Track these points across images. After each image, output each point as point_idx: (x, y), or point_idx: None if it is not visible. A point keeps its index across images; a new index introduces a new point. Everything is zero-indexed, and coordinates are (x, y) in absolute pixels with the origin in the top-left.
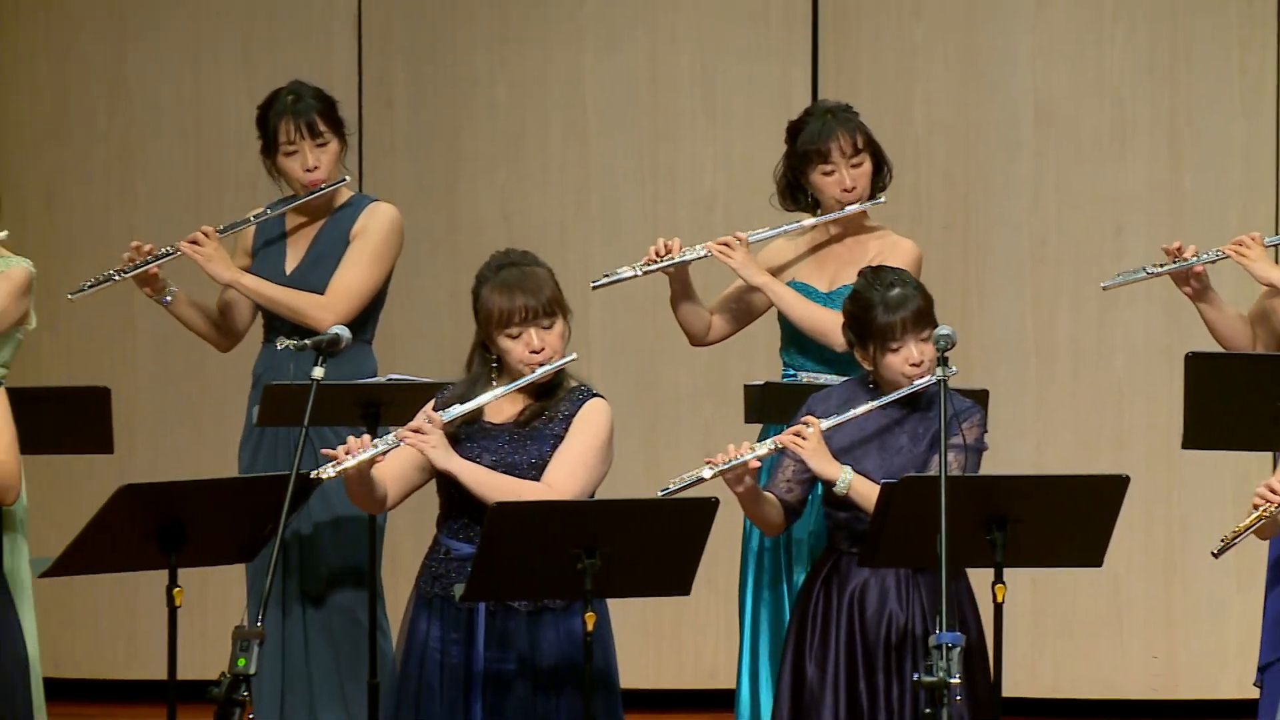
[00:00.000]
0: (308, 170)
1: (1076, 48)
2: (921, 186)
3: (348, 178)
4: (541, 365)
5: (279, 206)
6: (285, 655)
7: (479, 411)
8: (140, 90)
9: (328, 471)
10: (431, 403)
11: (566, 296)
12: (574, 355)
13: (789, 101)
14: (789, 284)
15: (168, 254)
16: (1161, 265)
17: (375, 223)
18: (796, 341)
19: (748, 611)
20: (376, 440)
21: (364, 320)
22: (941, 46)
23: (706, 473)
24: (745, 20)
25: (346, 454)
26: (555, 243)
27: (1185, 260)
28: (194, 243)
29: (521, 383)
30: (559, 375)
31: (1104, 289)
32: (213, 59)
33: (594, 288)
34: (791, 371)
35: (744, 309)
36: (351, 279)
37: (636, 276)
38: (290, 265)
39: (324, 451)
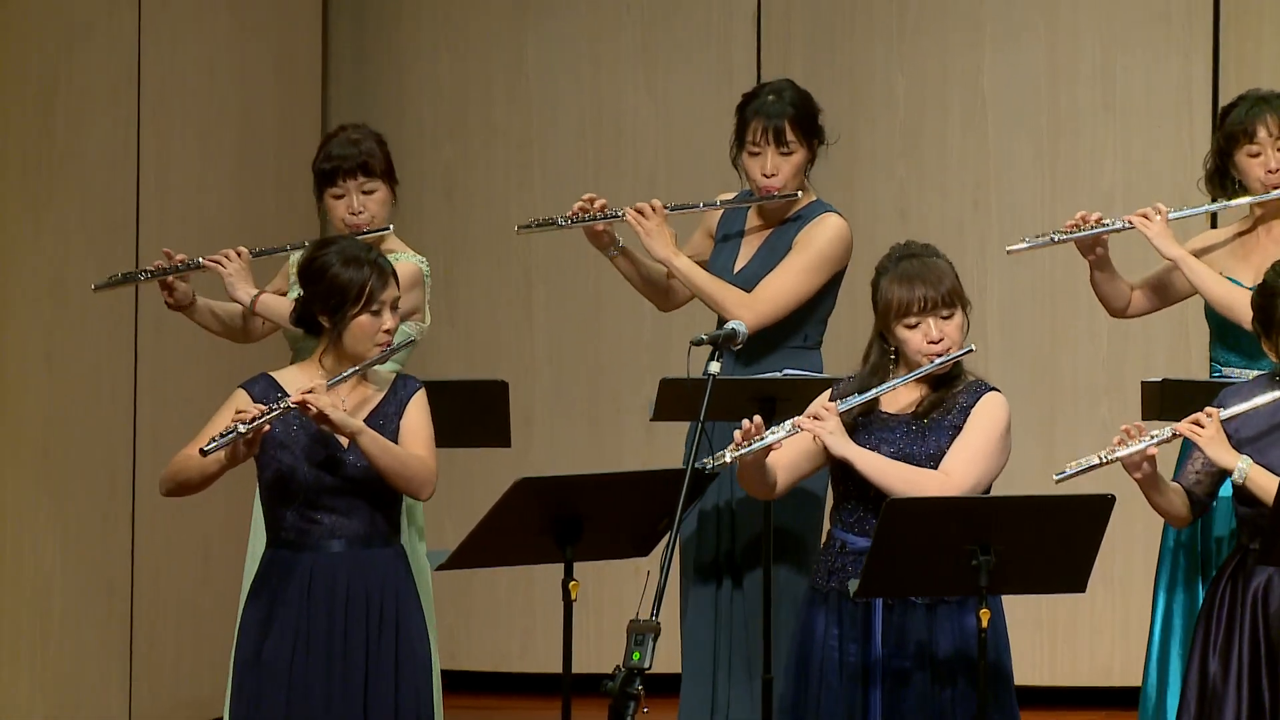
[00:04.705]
0: (765, 176)
1: None
2: None
3: (799, 194)
4: (939, 356)
5: (732, 204)
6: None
7: (875, 402)
8: (539, 84)
9: (725, 457)
10: (827, 392)
11: (966, 291)
12: (972, 347)
13: (1189, 97)
14: None
15: (614, 215)
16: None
17: (819, 234)
18: (1223, 337)
19: (1159, 608)
20: (773, 427)
21: (798, 323)
22: None
23: (1104, 455)
24: (1146, 16)
25: (744, 440)
26: (953, 239)
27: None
28: (640, 213)
29: (919, 373)
30: (956, 367)
31: (1009, 253)
32: (612, 53)
33: (1009, 252)
34: (1219, 368)
35: (1165, 287)
36: (779, 284)
37: (1053, 243)
38: (739, 264)
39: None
